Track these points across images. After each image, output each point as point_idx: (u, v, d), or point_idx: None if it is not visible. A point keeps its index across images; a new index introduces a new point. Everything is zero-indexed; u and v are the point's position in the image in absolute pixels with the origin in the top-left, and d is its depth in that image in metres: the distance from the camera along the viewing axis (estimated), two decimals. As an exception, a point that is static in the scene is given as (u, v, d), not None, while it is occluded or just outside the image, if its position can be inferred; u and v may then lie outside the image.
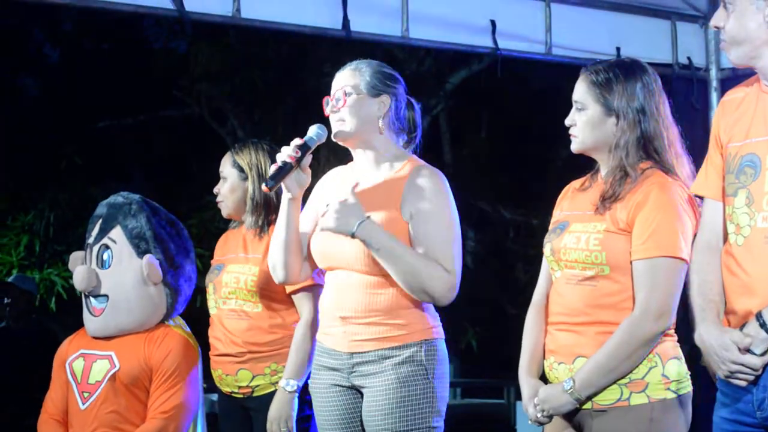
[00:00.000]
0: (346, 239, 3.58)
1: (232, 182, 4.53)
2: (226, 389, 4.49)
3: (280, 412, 4.27)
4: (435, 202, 3.63)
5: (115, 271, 4.26)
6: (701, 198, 3.24)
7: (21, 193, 12.46)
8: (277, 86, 11.89)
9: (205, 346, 4.46)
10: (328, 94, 3.72)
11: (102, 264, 4.26)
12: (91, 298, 4.25)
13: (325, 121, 3.71)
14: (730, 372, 2.96)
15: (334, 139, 3.70)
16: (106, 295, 4.23)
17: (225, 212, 4.59)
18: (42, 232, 11.95)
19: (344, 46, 5.90)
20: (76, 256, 4.36)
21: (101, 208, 4.36)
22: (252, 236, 4.50)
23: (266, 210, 4.46)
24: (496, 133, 13.04)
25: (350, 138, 3.69)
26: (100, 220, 4.31)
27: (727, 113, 3.15)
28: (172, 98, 12.94)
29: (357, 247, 3.58)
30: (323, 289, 3.77)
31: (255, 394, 4.40)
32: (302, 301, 4.34)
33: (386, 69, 3.77)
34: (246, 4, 5.20)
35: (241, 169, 4.52)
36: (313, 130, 3.67)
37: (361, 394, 3.64)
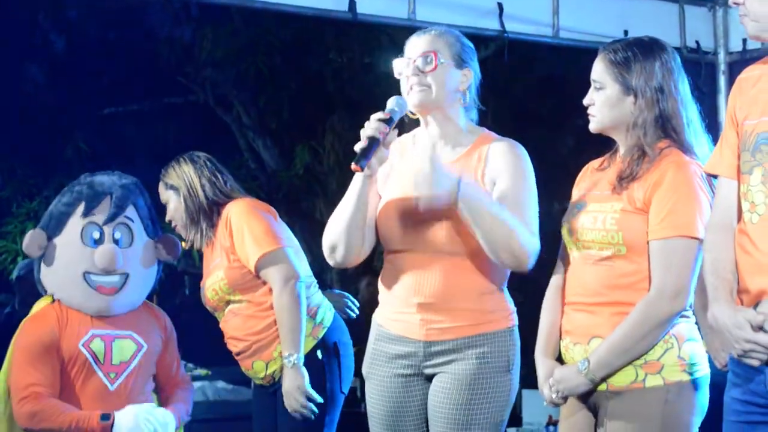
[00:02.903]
0: (428, 219, 3.40)
1: (173, 203, 4.48)
2: (255, 381, 4.50)
3: (289, 387, 4.24)
4: (516, 168, 3.45)
5: (135, 249, 4.23)
6: (715, 177, 3.17)
7: (26, 180, 12.41)
8: (281, 72, 11.84)
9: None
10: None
11: (117, 242, 4.19)
12: (98, 276, 4.15)
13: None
14: (744, 351, 2.90)
15: (413, 108, 3.49)
16: (125, 274, 4.17)
17: (183, 234, 4.51)
18: (47, 219, 11.89)
19: (349, 31, 5.82)
20: (38, 235, 4.20)
21: (106, 186, 4.25)
22: (208, 243, 4.46)
23: (204, 217, 4.43)
24: (502, 120, 12.95)
25: (434, 108, 3.50)
26: (110, 198, 4.21)
27: (744, 91, 3.07)
28: (178, 85, 12.90)
29: (439, 227, 3.41)
30: (389, 271, 3.54)
31: (277, 379, 4.36)
32: (268, 276, 4.28)
33: (467, 41, 3.59)
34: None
35: (173, 188, 4.48)
36: (394, 102, 3.45)
37: (430, 381, 3.48)
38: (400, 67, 3.51)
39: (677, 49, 5.93)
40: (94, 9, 12.83)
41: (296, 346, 4.23)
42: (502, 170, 3.44)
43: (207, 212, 4.41)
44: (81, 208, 4.22)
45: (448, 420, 3.41)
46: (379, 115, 3.39)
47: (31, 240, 4.20)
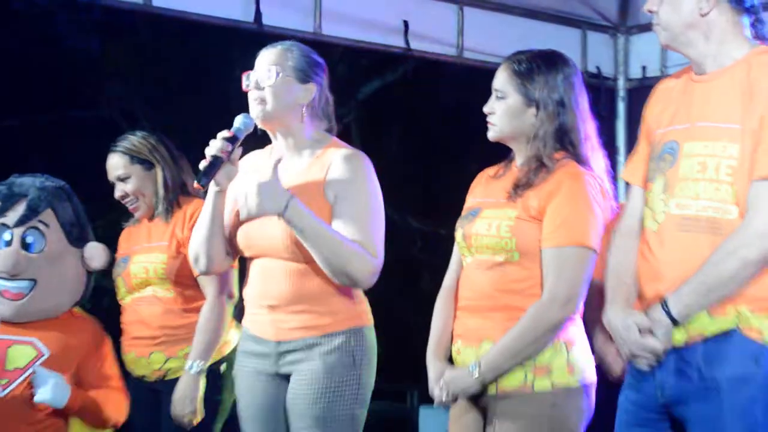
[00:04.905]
0: (271, 226, 3.46)
1: (139, 178, 4.45)
2: (138, 372, 4.44)
3: (184, 393, 4.24)
4: (357, 184, 3.51)
5: (48, 255, 4.04)
6: (628, 184, 3.23)
7: None
8: (188, 85, 11.79)
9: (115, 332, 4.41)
10: (241, 95, 3.58)
11: (27, 247, 4.05)
12: (4, 281, 4.01)
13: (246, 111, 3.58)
14: (632, 354, 2.97)
15: (255, 120, 3.53)
16: (33, 279, 4.04)
17: (142, 211, 4.48)
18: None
19: (255, 48, 5.83)
20: None
21: (22, 188, 4.08)
22: (157, 224, 4.45)
23: (173, 195, 4.44)
24: (407, 144, 13.09)
25: (271, 120, 3.54)
26: (25, 201, 4.07)
27: (658, 101, 3.15)
28: (83, 98, 12.76)
29: (282, 234, 3.46)
30: (248, 276, 3.64)
31: (168, 378, 4.36)
32: (206, 283, 4.30)
33: (315, 56, 3.64)
34: (158, -8, 5.11)
35: (143, 162, 4.45)
36: (240, 120, 3.50)
37: (287, 380, 3.55)
38: (245, 81, 3.56)
39: (578, 72, 6.06)
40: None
41: (206, 357, 4.26)
42: (340, 188, 3.50)
43: (176, 192, 4.42)
44: None
45: (305, 416, 3.49)
46: (223, 133, 3.46)
47: None
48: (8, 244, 4.01)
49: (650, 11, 3.08)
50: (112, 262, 4.32)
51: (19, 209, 4.03)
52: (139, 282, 4.42)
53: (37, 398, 3.85)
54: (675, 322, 2.90)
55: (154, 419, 4.39)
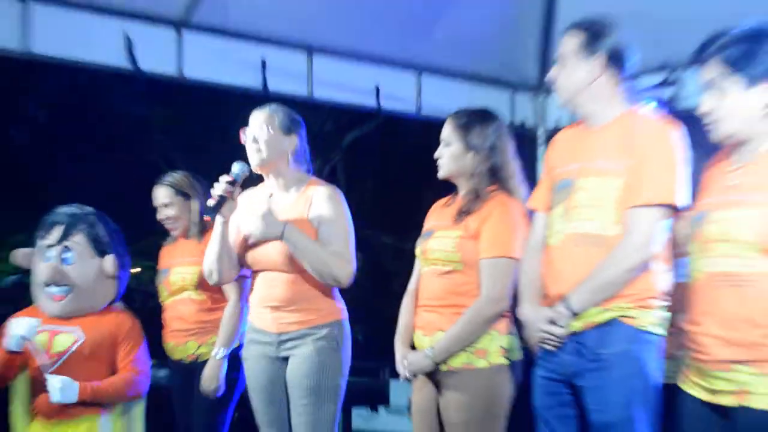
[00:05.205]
0: (271, 248, 3.55)
1: (179, 206, 4.48)
2: (176, 357, 4.48)
3: (211, 373, 4.30)
4: (334, 211, 3.60)
5: (78, 266, 4.07)
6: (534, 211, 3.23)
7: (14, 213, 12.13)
8: (211, 137, 11.81)
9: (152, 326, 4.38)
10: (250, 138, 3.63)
11: (63, 261, 4.07)
12: (49, 287, 4.03)
13: (244, 159, 3.62)
14: (542, 339, 2.99)
15: (252, 166, 3.61)
16: (69, 286, 4.06)
17: (178, 231, 4.52)
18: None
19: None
20: (24, 252, 4.14)
21: (59, 216, 4.10)
22: (191, 243, 4.46)
23: (204, 221, 4.46)
24: (379, 179, 13.17)
25: (266, 165, 3.63)
26: (62, 227, 4.11)
27: (557, 146, 3.18)
28: (133, 147, 12.76)
29: (279, 253, 3.55)
30: (254, 285, 3.71)
31: (200, 360, 4.40)
32: (229, 289, 4.34)
33: (294, 114, 3.73)
34: (188, 66, 5.11)
35: (184, 194, 4.48)
36: (237, 167, 3.57)
37: (286, 361, 3.61)
38: (243, 135, 3.64)
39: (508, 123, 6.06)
40: (65, 87, 12.68)
41: (228, 346, 4.30)
42: (322, 215, 3.59)
43: (204, 219, 4.42)
44: (43, 232, 4.10)
45: (301, 387, 3.56)
46: (225, 177, 3.53)
47: (23, 256, 4.10)
48: (52, 259, 4.07)
49: (551, 80, 3.10)
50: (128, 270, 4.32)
51: (57, 232, 4.07)
52: (177, 288, 4.45)
53: (52, 400, 3.81)
54: (574, 314, 2.92)
55: (188, 392, 4.41)
